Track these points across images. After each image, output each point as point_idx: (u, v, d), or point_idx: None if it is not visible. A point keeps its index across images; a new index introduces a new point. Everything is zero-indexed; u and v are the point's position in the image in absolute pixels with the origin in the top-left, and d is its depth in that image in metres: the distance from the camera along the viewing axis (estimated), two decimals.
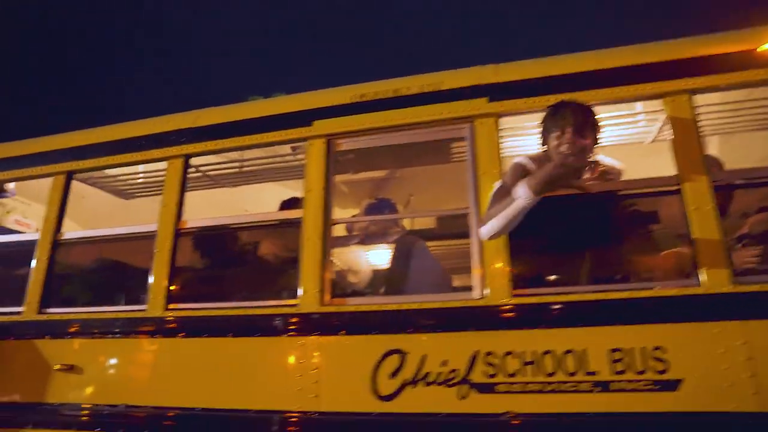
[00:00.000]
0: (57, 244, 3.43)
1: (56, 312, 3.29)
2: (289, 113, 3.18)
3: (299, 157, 3.72)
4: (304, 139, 3.09)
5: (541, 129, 2.68)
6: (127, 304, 3.24)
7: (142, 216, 3.73)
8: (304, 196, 2.96)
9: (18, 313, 3.36)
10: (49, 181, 3.81)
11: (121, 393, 2.97)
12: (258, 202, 4.31)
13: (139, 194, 4.25)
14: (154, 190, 4.09)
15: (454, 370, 2.48)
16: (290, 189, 4.57)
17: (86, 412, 2.99)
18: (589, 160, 2.65)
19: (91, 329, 3.14)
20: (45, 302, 3.32)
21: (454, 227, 3.46)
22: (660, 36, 3.01)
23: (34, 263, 3.41)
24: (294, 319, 2.76)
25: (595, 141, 2.61)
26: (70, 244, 3.48)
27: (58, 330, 3.21)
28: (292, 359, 2.70)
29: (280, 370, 2.72)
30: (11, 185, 4.00)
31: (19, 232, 4.89)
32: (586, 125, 2.55)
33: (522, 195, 2.33)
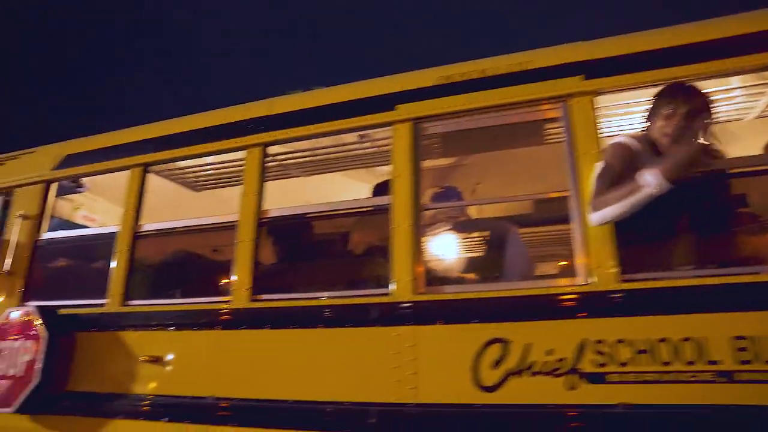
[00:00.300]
0: (137, 236, 3.42)
1: (139, 304, 3.29)
2: (372, 98, 3.09)
3: (365, 145, 3.64)
4: (389, 124, 3.00)
5: (649, 108, 2.57)
6: (209, 295, 3.19)
7: (208, 208, 3.73)
8: (391, 182, 2.88)
9: (101, 305, 3.37)
10: (117, 176, 3.83)
11: (208, 385, 2.93)
12: (320, 193, 4.25)
13: (209, 186, 4.23)
14: (226, 182, 4.07)
15: (561, 359, 2.37)
16: (352, 179, 4.52)
17: (174, 403, 2.97)
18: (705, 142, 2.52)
19: (175, 321, 3.12)
20: (128, 294, 3.32)
21: (543, 212, 3.34)
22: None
23: (115, 255, 3.41)
24: (387, 309, 2.68)
25: (706, 124, 2.48)
26: (150, 236, 3.47)
27: (142, 322, 3.21)
28: (386, 350, 2.62)
29: (374, 361, 2.63)
30: (85, 180, 4.02)
31: (87, 227, 4.95)
32: (698, 108, 2.45)
33: (653, 183, 2.22)
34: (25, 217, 3.83)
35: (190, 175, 4.02)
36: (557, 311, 2.45)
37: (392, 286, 2.71)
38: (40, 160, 4.03)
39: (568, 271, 2.58)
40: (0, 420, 3.31)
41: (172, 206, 4.01)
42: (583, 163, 2.61)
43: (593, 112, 2.68)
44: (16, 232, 3.82)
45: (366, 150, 3.71)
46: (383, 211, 2.86)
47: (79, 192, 4.14)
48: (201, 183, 4.20)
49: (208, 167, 3.88)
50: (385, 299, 2.71)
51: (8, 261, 3.73)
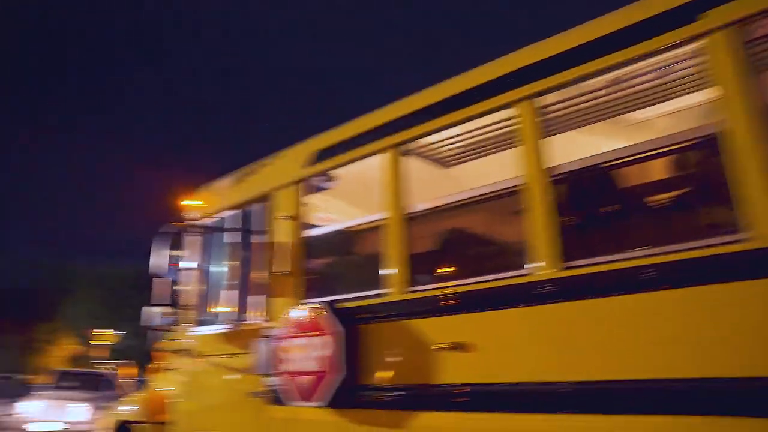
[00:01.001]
0: (407, 220, 3.26)
1: (423, 289, 3.11)
2: (665, 13, 2.54)
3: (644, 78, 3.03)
4: (695, 38, 2.44)
5: None
6: (499, 271, 2.88)
7: (453, 186, 3.45)
8: (718, 105, 2.32)
9: (382, 294, 3.26)
10: (348, 174, 3.80)
11: (521, 369, 2.62)
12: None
13: (460, 159, 3.96)
14: (477, 152, 3.77)
15: None
16: (586, 135, 3.90)
17: (489, 391, 2.70)
18: None
19: (468, 303, 2.86)
20: (412, 280, 3.16)
21: None
22: None
23: (387, 242, 3.29)
24: (748, 259, 2.14)
25: None
26: (420, 217, 3.28)
27: (430, 307, 3.01)
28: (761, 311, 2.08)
29: (746, 326, 2.10)
30: (334, 173, 3.99)
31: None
32: None
33: None
34: (285, 218, 3.89)
35: (441, 149, 3.78)
36: None
37: (749, 231, 2.15)
38: (290, 161, 4.09)
39: None
40: (305, 413, 3.34)
41: (421, 187, 3.83)
42: None
43: None
44: (280, 233, 3.90)
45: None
46: (710, 144, 2.32)
47: (330, 187, 4.13)
48: (451, 158, 3.94)
49: (459, 138, 3.60)
50: (739, 247, 2.16)
51: (280, 262, 3.81)
